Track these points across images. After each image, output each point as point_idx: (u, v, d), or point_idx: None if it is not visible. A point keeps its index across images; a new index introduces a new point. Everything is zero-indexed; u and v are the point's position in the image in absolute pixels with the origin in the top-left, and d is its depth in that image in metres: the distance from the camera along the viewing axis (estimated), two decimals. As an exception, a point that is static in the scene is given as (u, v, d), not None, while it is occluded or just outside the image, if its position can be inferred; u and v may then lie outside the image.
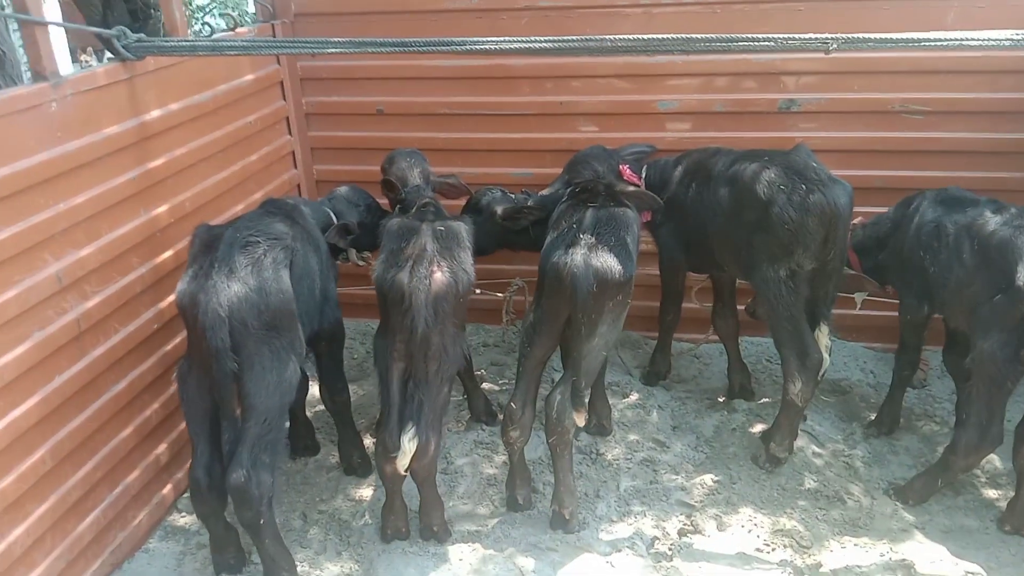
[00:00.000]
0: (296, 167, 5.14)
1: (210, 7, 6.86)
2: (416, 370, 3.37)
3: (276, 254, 3.19)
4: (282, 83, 4.95)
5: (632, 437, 4.35)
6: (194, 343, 3.13)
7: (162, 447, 3.87)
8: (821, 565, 3.46)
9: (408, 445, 3.35)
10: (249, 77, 4.56)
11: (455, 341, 3.42)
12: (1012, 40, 2.87)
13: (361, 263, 4.26)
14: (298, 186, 5.15)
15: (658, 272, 4.57)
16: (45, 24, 3.15)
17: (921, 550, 3.51)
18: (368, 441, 4.25)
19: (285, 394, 3.21)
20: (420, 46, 3.37)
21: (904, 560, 3.44)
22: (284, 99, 4.99)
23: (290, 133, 5.07)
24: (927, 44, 3.02)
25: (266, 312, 3.07)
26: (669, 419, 4.49)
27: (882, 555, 3.47)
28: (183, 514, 3.92)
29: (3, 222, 2.94)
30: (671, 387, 4.79)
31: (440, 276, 3.27)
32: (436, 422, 3.43)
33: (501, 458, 4.18)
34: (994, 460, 3.93)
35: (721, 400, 4.63)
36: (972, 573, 3.37)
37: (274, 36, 4.88)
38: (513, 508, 3.84)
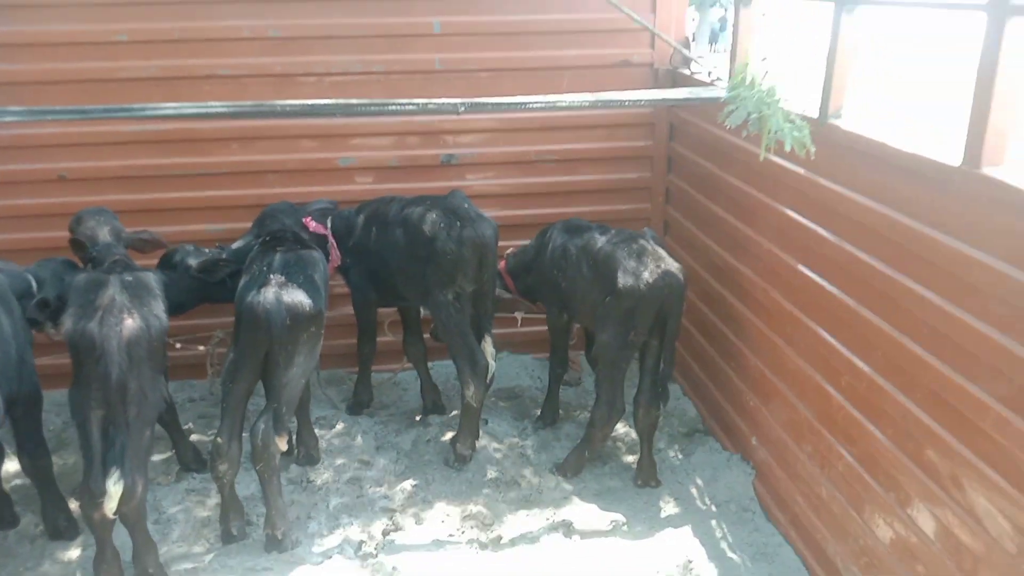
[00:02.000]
0: (-29, 238, 4.98)
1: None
2: (116, 416, 3.52)
3: None
4: (-51, 153, 4.81)
5: (339, 461, 4.77)
6: None
7: None
8: (501, 537, 4.12)
9: (114, 488, 3.48)
10: (-92, 148, 4.42)
11: (153, 385, 3.64)
12: (588, 102, 3.82)
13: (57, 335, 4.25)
14: (-26, 257, 4.97)
15: (353, 312, 5.09)
16: None
17: (578, 511, 4.31)
18: (73, 505, 4.24)
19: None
20: (100, 113, 3.62)
21: (565, 520, 4.21)
22: (-48, 169, 4.85)
23: (-39, 203, 4.92)
24: (530, 106, 3.87)
25: None
26: (373, 441, 4.98)
27: (548, 519, 4.23)
28: None
29: None
30: (374, 414, 5.29)
31: (131, 322, 3.49)
32: (141, 465, 3.61)
33: (213, 501, 4.37)
34: (631, 433, 4.88)
35: (418, 418, 5.21)
36: (615, 521, 4.22)
37: (-65, 106, 4.74)
38: (228, 540, 4.07)
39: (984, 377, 2.65)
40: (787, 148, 3.20)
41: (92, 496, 3.50)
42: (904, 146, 2.98)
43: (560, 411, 5.15)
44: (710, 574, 3.86)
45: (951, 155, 2.77)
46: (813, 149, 3.21)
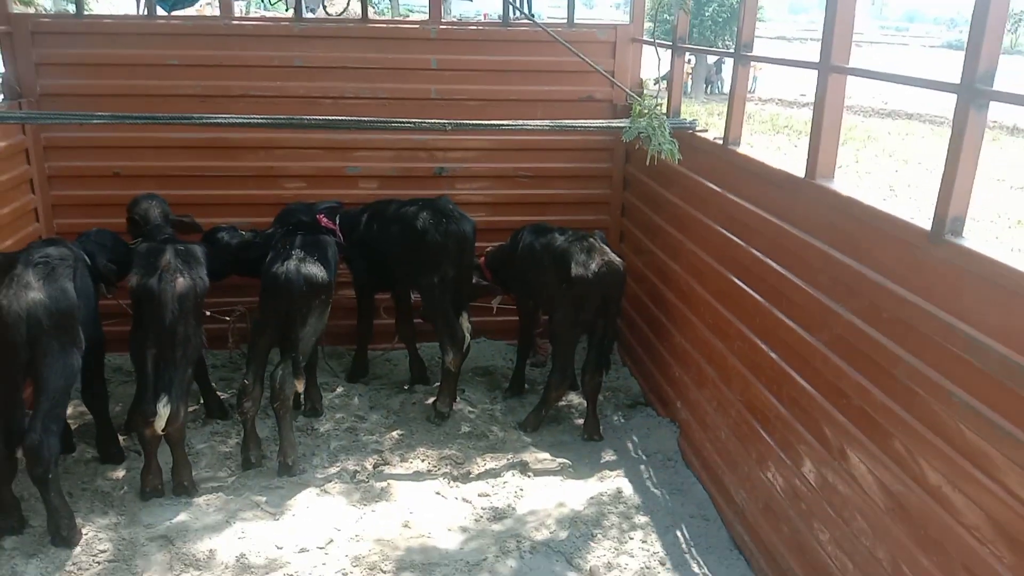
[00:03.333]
0: (38, 221, 5.97)
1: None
2: (165, 354, 4.49)
3: (64, 269, 4.21)
4: (27, 150, 5.82)
5: (339, 415, 5.74)
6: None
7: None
8: (470, 472, 5.09)
9: (163, 410, 4.45)
10: (-3, 145, 5.43)
11: (196, 332, 4.63)
12: (546, 125, 4.87)
13: (110, 296, 5.20)
14: (40, 237, 5.95)
15: (354, 296, 6.10)
16: None
17: (534, 456, 5.28)
18: (120, 436, 5.19)
19: (69, 378, 4.19)
20: (165, 119, 4.64)
21: (522, 462, 5.18)
22: (29, 163, 5.85)
23: (33, 192, 5.92)
24: (504, 126, 4.92)
25: (56, 314, 4.07)
26: (367, 401, 5.96)
27: (508, 460, 5.20)
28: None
29: None
30: (369, 382, 6.27)
31: (182, 280, 4.48)
32: (183, 395, 4.59)
33: (234, 440, 5.33)
34: (584, 403, 5.85)
35: (406, 387, 6.19)
36: (563, 463, 5.19)
37: (20, 112, 5.77)
38: (247, 467, 5.02)
39: (816, 328, 3.66)
40: (663, 157, 4.24)
41: (145, 416, 4.46)
42: (772, 162, 4.02)
43: (526, 386, 6.12)
44: (635, 502, 4.82)
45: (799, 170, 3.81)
46: (679, 157, 4.25)
